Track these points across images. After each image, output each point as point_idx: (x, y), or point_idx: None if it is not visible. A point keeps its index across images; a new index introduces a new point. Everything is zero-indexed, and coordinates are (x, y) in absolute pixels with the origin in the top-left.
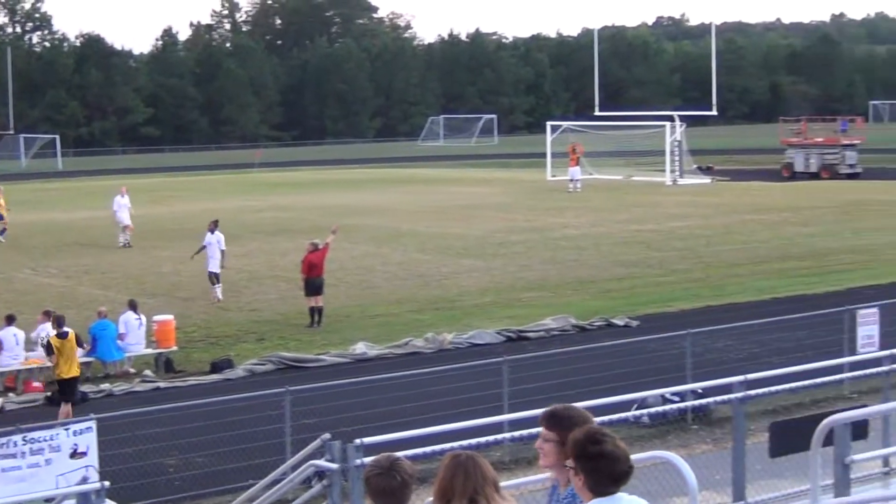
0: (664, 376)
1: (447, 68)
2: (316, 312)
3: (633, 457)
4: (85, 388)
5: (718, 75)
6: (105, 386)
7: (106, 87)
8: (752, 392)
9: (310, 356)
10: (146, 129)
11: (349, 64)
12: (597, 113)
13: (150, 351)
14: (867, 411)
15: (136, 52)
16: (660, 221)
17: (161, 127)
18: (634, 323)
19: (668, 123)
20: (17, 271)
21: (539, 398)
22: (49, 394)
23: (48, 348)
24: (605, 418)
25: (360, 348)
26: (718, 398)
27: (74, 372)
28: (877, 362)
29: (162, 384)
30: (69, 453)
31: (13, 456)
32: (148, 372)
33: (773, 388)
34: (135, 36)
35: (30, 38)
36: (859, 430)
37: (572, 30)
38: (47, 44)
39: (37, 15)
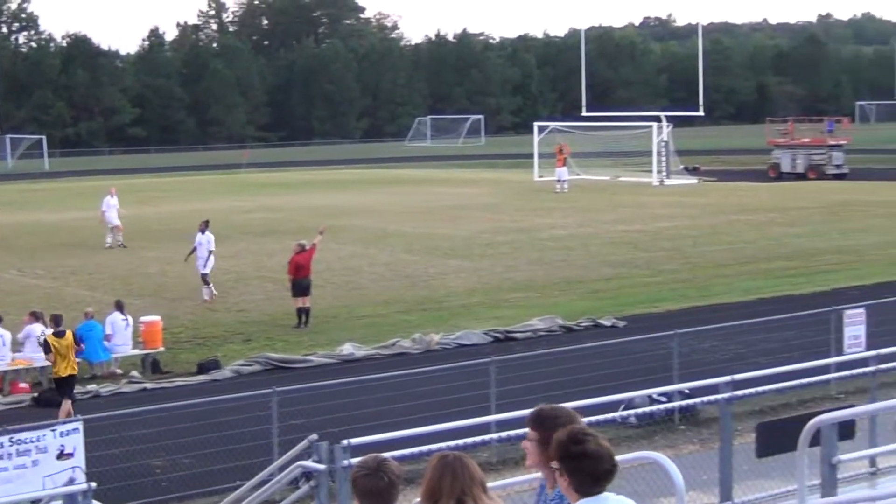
0: (651, 377)
1: (434, 69)
2: (303, 313)
3: (620, 457)
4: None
5: (705, 76)
6: (92, 387)
7: (92, 87)
8: (739, 392)
9: (297, 357)
10: (133, 129)
11: (336, 64)
12: (584, 113)
13: (136, 352)
14: (854, 411)
15: (122, 52)
16: (647, 222)
17: (148, 127)
18: (621, 323)
19: (654, 124)
20: (4, 272)
21: (526, 399)
22: (36, 394)
23: (45, 347)
24: (593, 419)
25: (348, 349)
26: (705, 398)
27: (71, 370)
28: (863, 362)
29: (149, 385)
30: (56, 454)
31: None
32: (135, 373)
33: (759, 389)
34: (121, 36)
35: (16, 39)
36: (846, 430)
37: (559, 30)
38: (34, 44)
39: (23, 15)
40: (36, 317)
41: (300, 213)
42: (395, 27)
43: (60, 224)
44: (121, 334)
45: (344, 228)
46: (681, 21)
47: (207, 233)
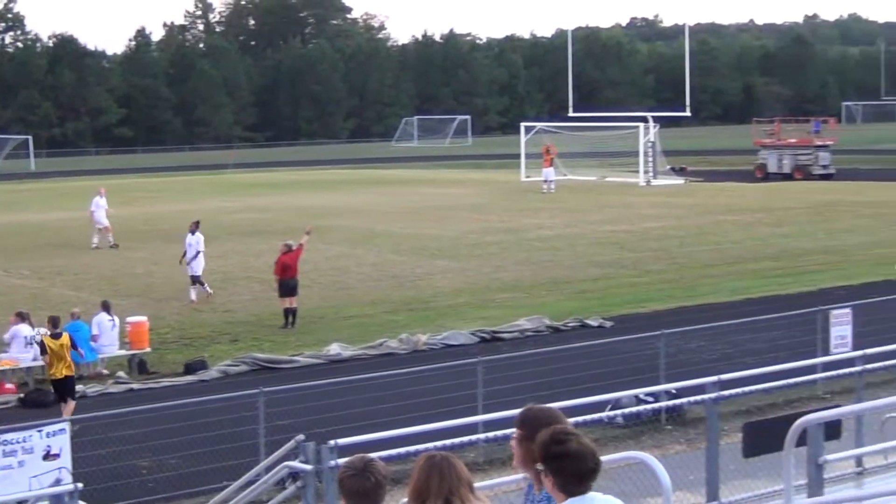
0: (638, 377)
1: (421, 69)
2: (290, 313)
3: (607, 458)
4: None
5: (692, 76)
6: (78, 387)
7: (79, 87)
8: (726, 392)
9: (284, 357)
10: (119, 129)
11: (323, 65)
12: (571, 114)
13: (123, 352)
14: (840, 411)
15: (109, 52)
16: (633, 222)
17: (134, 128)
18: (608, 324)
19: (641, 124)
20: None
21: (513, 399)
22: (22, 395)
23: (42, 348)
24: (580, 419)
25: (335, 349)
26: (692, 398)
27: (67, 372)
28: (850, 363)
29: (135, 385)
30: (42, 455)
31: None
32: (121, 373)
33: (746, 389)
34: (108, 36)
35: (2, 39)
36: (832, 430)
37: (546, 31)
38: (20, 44)
39: (9, 15)
40: (22, 317)
41: (287, 213)
42: (381, 27)
43: (46, 224)
44: (107, 335)
45: (331, 229)
46: (667, 21)
47: (198, 233)
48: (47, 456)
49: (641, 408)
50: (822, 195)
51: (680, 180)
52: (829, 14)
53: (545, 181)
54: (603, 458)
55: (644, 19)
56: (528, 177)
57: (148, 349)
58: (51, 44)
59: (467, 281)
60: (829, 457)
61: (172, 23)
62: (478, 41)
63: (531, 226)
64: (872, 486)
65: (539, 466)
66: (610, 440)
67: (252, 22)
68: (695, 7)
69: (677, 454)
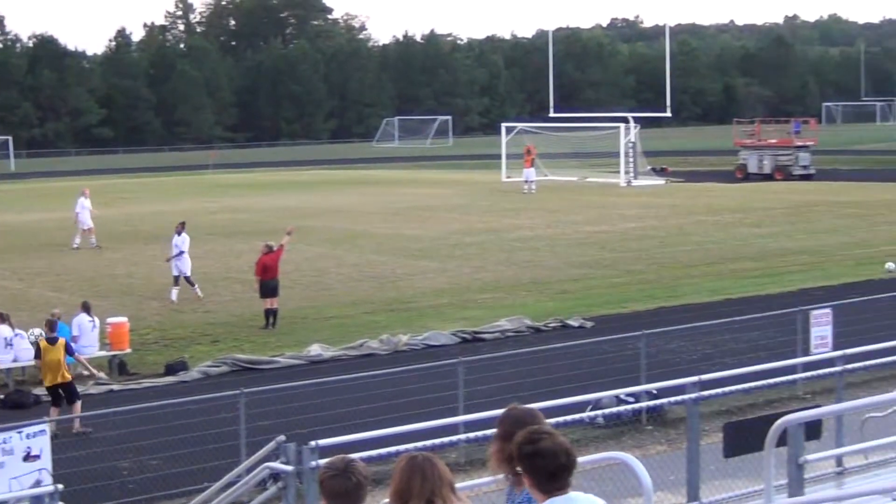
0: (619, 377)
1: (402, 69)
2: (271, 314)
3: (587, 458)
4: (37, 390)
5: (672, 77)
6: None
7: (59, 88)
8: (706, 393)
9: (264, 358)
10: (100, 130)
11: (304, 65)
12: (551, 114)
13: (103, 353)
14: (820, 411)
15: (89, 52)
16: (614, 223)
17: (115, 128)
18: (589, 324)
19: (622, 125)
20: None
21: (494, 399)
22: (2, 396)
23: (37, 351)
24: (560, 419)
25: (315, 350)
26: (673, 399)
27: (61, 378)
28: (830, 363)
29: (116, 387)
30: (22, 456)
31: None
32: (102, 374)
33: (726, 389)
34: (88, 37)
35: None
36: (813, 430)
37: (527, 31)
38: (0, 45)
39: None
40: (2, 318)
41: (268, 213)
42: (362, 28)
43: (27, 225)
44: (87, 336)
45: (312, 229)
46: (648, 22)
47: (184, 234)
48: (27, 457)
49: (622, 408)
50: (803, 196)
51: (660, 181)
52: (809, 15)
53: (526, 182)
54: (583, 458)
55: (625, 20)
56: (509, 177)
57: (128, 350)
58: (31, 44)
59: (448, 281)
60: (810, 457)
61: (153, 23)
62: (458, 42)
63: (512, 226)
64: (852, 485)
65: (519, 469)
66: (591, 441)
67: (233, 22)
68: (675, 8)
69: (658, 454)
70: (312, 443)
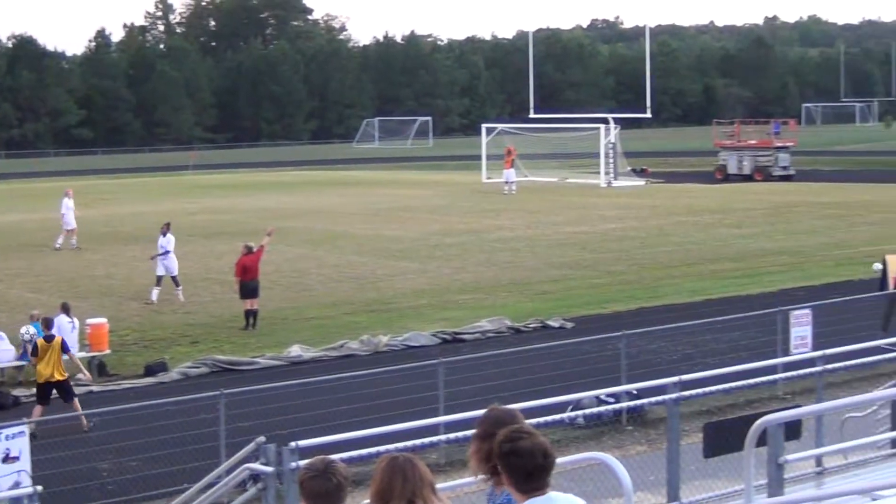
0: (599, 377)
1: (382, 70)
2: (251, 315)
3: (567, 458)
4: (17, 391)
5: (652, 78)
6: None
7: (38, 88)
8: (687, 393)
9: (244, 359)
10: (79, 131)
11: (284, 66)
12: (532, 115)
13: (83, 354)
14: (800, 412)
15: (68, 53)
16: (594, 223)
17: (94, 129)
18: (569, 324)
19: (602, 126)
20: None
21: (474, 400)
22: None
23: (34, 349)
24: (541, 420)
25: (296, 351)
26: (653, 399)
27: (59, 376)
28: (810, 363)
29: (95, 388)
30: (1, 458)
31: None
32: (81, 375)
33: (707, 389)
34: (67, 37)
35: None
36: (792, 430)
37: (507, 32)
38: None
39: None
40: None
41: (248, 214)
42: (342, 29)
43: (5, 226)
44: (67, 337)
45: (292, 230)
46: (628, 23)
47: (169, 235)
48: (6, 459)
49: (602, 408)
50: (782, 196)
51: (640, 181)
52: (789, 16)
53: (506, 182)
54: (564, 458)
55: (605, 21)
56: (489, 178)
57: (108, 351)
58: (10, 44)
59: (428, 282)
60: (790, 457)
61: (132, 24)
62: (439, 42)
63: (492, 227)
64: (832, 485)
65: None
66: (571, 441)
67: (212, 23)
68: (655, 9)
69: (638, 455)
70: (292, 444)
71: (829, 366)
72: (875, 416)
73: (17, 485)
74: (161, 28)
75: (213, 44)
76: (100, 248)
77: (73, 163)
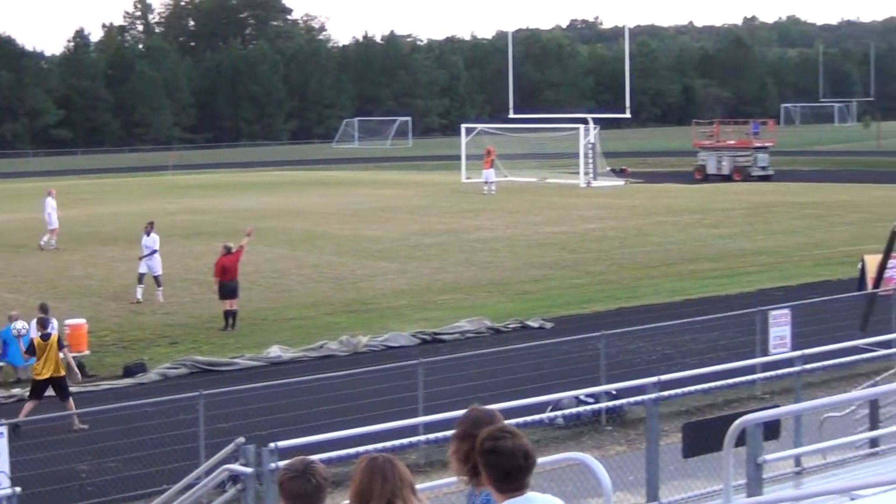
0: (578, 378)
1: (362, 70)
2: (230, 316)
3: (547, 458)
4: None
5: (632, 78)
6: (16, 391)
7: (17, 88)
8: (666, 393)
9: (224, 360)
10: (58, 131)
11: (263, 66)
12: (511, 115)
13: (61, 355)
14: (779, 412)
15: (47, 53)
16: (574, 223)
17: (73, 129)
18: (549, 325)
19: (581, 126)
20: None
21: (454, 401)
22: None
23: (31, 347)
24: (520, 420)
25: (275, 351)
26: (632, 399)
27: (55, 372)
28: (789, 363)
29: (74, 388)
30: None
31: None
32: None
33: (686, 389)
34: (46, 37)
35: None
36: (771, 430)
37: (486, 32)
38: None
39: None
40: None
41: (227, 215)
42: (322, 29)
43: None
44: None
45: (271, 230)
46: (607, 23)
47: (153, 234)
48: None
49: (582, 409)
50: (761, 196)
51: (620, 182)
52: (768, 16)
53: (486, 182)
54: (543, 459)
55: (584, 21)
56: (468, 178)
57: (87, 352)
58: None
59: (408, 282)
60: (768, 457)
61: (111, 23)
62: (418, 42)
63: (472, 227)
64: (811, 485)
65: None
66: (550, 441)
67: (192, 23)
68: (634, 9)
69: (618, 455)
70: (272, 444)
71: (808, 366)
72: (853, 416)
73: None
74: (140, 28)
75: (193, 44)
76: (79, 249)
77: (53, 163)
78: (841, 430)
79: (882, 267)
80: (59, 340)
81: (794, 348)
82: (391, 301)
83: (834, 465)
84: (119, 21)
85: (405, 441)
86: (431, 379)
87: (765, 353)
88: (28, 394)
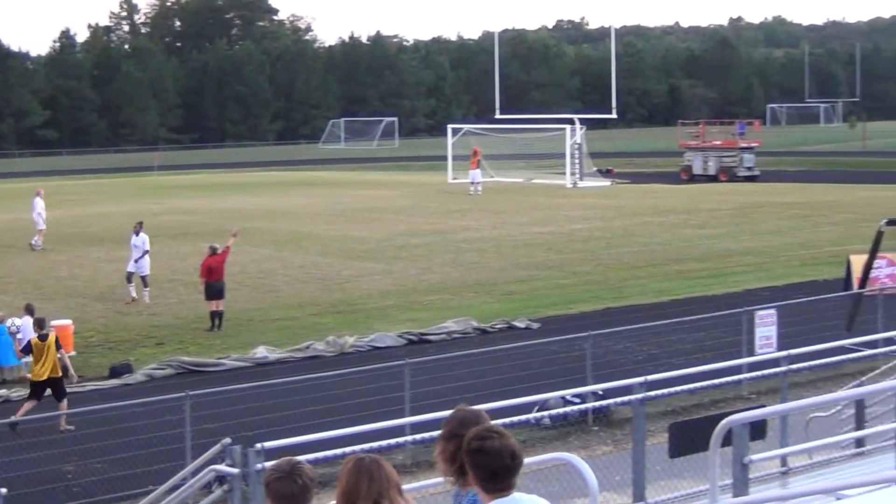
0: (565, 378)
1: (348, 71)
2: (216, 316)
3: (533, 459)
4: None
5: (618, 78)
6: (2, 392)
7: (2, 89)
8: (652, 393)
9: (210, 360)
10: (44, 131)
11: (249, 66)
12: (497, 116)
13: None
14: (765, 411)
15: (33, 53)
16: (560, 224)
17: (59, 130)
18: (535, 325)
19: (568, 126)
20: None
21: (440, 401)
22: None
23: (28, 348)
24: (507, 420)
25: (261, 352)
26: (619, 399)
27: (54, 373)
28: (775, 363)
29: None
30: None
31: None
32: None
33: (672, 389)
34: (32, 38)
35: None
36: (757, 430)
37: (473, 33)
38: None
39: None
40: None
41: (213, 215)
42: (308, 29)
43: None
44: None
45: (258, 231)
46: (594, 24)
47: (142, 234)
48: None
49: (568, 409)
50: (747, 197)
51: (606, 182)
52: (754, 17)
53: (472, 183)
54: (530, 459)
55: (570, 22)
56: (455, 179)
57: (73, 353)
58: None
59: (394, 283)
60: (755, 457)
61: (97, 24)
62: (405, 43)
63: (458, 228)
64: (797, 485)
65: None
66: (537, 441)
67: (178, 23)
68: (620, 10)
69: (604, 455)
70: (258, 445)
71: (794, 366)
72: (839, 416)
73: None
74: (126, 28)
75: (179, 44)
76: (65, 249)
77: (38, 164)
78: (827, 430)
79: (868, 267)
80: (57, 341)
81: (780, 348)
82: (377, 302)
83: (820, 465)
84: (105, 21)
85: (392, 441)
86: (418, 379)
87: (751, 353)
88: (28, 394)
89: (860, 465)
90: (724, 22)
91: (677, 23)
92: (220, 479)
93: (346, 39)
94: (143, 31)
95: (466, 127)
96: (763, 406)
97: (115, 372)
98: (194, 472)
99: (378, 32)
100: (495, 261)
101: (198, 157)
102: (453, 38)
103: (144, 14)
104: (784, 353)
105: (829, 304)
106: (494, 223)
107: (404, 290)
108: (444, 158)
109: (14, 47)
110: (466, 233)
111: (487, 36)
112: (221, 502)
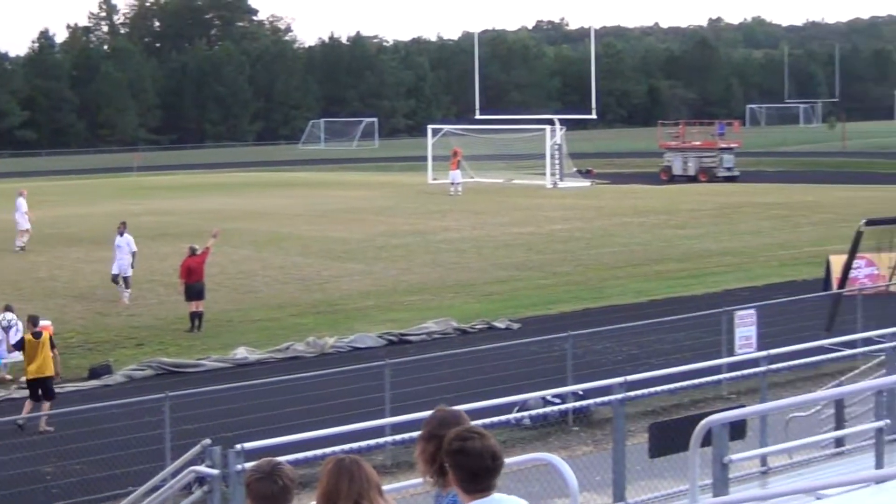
0: (545, 378)
1: (328, 71)
2: (196, 317)
3: (513, 459)
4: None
5: (597, 79)
6: None
7: None
8: (632, 393)
9: (190, 361)
10: (22, 132)
11: (229, 67)
12: (477, 116)
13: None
14: (745, 411)
15: (11, 54)
16: (540, 224)
17: (37, 130)
18: (515, 325)
19: (548, 127)
20: None
21: (421, 401)
22: None
23: (21, 345)
24: (487, 420)
25: (241, 353)
26: (599, 400)
27: (49, 372)
28: (754, 363)
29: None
30: None
31: None
32: (24, 378)
33: (652, 390)
34: (10, 38)
35: None
36: (737, 430)
37: (453, 33)
38: None
39: None
40: None
41: (193, 216)
42: (288, 29)
43: None
44: (14, 338)
45: (237, 232)
46: (573, 25)
47: (126, 235)
48: None
49: (548, 409)
50: (727, 197)
51: (586, 182)
52: (733, 17)
53: (452, 184)
54: (510, 459)
55: (550, 22)
56: (434, 179)
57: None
58: None
59: (374, 283)
60: (734, 456)
61: (76, 24)
62: (385, 43)
63: (438, 228)
64: (777, 485)
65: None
66: (517, 441)
67: (157, 23)
68: (600, 10)
69: (584, 455)
70: (238, 446)
71: (774, 366)
72: (819, 415)
73: None
74: (105, 29)
75: (158, 45)
76: (44, 250)
77: (17, 164)
78: (806, 430)
79: (847, 267)
80: (51, 339)
81: (759, 348)
82: (357, 302)
83: (799, 465)
84: (84, 22)
85: (372, 442)
86: (398, 380)
87: (731, 353)
88: (28, 395)
89: (840, 465)
90: (704, 23)
91: (657, 23)
92: (200, 480)
93: (326, 40)
94: (122, 31)
95: (446, 127)
96: (743, 406)
97: (94, 373)
98: (174, 474)
99: (358, 33)
100: (475, 261)
101: (177, 157)
102: (433, 38)
103: (123, 14)
104: (764, 353)
105: (808, 305)
106: (474, 224)
107: (384, 290)
108: (424, 159)
109: None
110: (446, 233)
111: (467, 36)
112: (201, 503)
